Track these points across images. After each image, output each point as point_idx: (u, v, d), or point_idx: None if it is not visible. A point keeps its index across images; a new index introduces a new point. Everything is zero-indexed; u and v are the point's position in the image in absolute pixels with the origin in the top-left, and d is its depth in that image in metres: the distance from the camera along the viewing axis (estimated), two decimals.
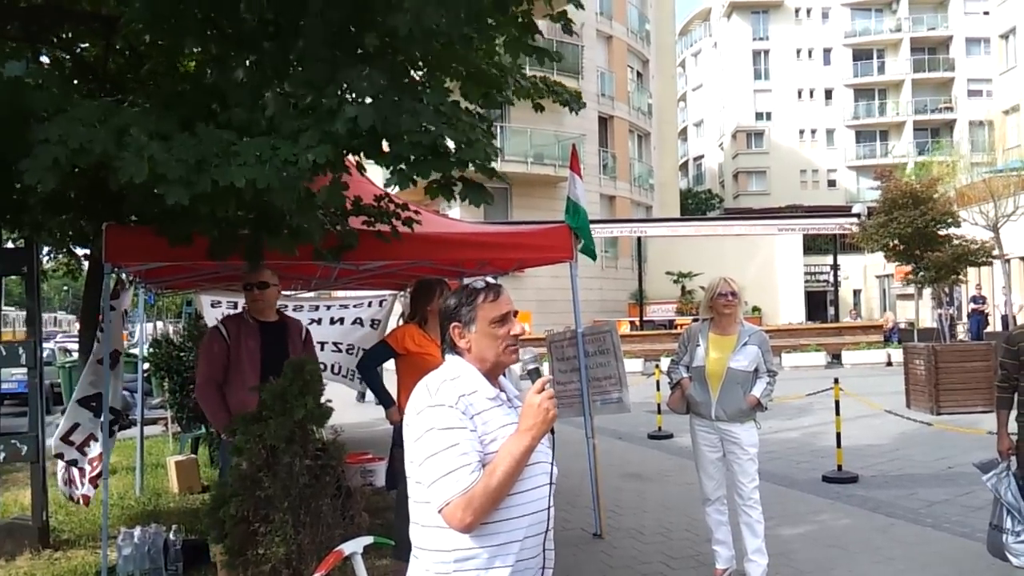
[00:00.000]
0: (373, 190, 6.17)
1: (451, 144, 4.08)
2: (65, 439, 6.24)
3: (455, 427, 2.16)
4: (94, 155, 3.39)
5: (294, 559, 3.93)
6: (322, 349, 8.70)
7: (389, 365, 5.64)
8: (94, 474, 6.22)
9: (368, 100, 3.82)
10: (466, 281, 2.39)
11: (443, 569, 2.22)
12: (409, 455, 2.26)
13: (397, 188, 4.58)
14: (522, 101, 6.06)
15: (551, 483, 2.33)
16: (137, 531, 5.88)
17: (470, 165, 4.27)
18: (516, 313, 2.43)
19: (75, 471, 6.33)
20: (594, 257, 7.12)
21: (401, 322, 6.37)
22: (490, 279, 2.45)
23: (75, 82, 5.64)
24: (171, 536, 5.95)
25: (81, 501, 6.47)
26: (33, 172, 3.38)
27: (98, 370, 6.25)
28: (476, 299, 2.35)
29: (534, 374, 2.32)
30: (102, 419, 6.06)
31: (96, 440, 6.22)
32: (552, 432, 2.30)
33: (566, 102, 5.55)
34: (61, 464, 6.48)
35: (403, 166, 4.00)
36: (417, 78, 4.65)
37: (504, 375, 2.48)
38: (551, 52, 5.02)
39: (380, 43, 3.93)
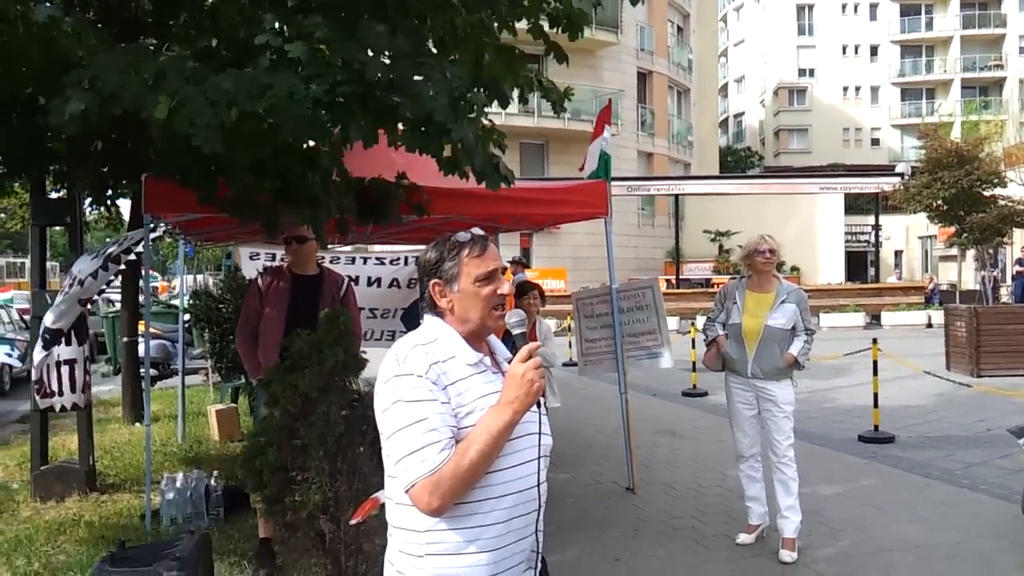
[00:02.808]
0: (402, 163, 6.08)
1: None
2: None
3: (423, 399, 1.93)
4: (126, 101, 3.39)
5: (331, 506, 4.00)
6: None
7: None
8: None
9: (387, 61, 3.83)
10: (477, 231, 2.15)
11: (414, 551, 2.01)
12: (379, 427, 2.04)
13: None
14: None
15: (541, 456, 2.06)
16: (180, 476, 6.04)
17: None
18: (504, 271, 2.18)
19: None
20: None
21: None
22: (476, 231, 2.14)
23: (103, 28, 5.64)
24: (212, 482, 6.10)
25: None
26: (58, 114, 3.40)
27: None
28: (460, 253, 2.08)
29: (520, 339, 2.06)
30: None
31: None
32: (540, 403, 2.05)
33: (553, 101, 5.46)
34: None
35: (402, 128, 4.00)
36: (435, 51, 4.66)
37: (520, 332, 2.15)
38: (548, 86, 5.10)
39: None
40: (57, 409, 6.25)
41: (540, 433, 2.07)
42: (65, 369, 6.11)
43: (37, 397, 6.21)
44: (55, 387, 6.11)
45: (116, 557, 3.18)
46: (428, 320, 2.12)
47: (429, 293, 2.11)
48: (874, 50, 60.99)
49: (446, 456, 1.89)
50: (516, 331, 2.08)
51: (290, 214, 4.71)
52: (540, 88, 5.29)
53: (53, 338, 6.01)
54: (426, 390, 1.93)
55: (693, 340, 12.62)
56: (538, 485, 2.04)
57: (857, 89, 61.49)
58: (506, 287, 2.10)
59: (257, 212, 4.79)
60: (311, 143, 4.73)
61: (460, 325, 2.08)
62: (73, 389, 6.16)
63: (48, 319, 5.98)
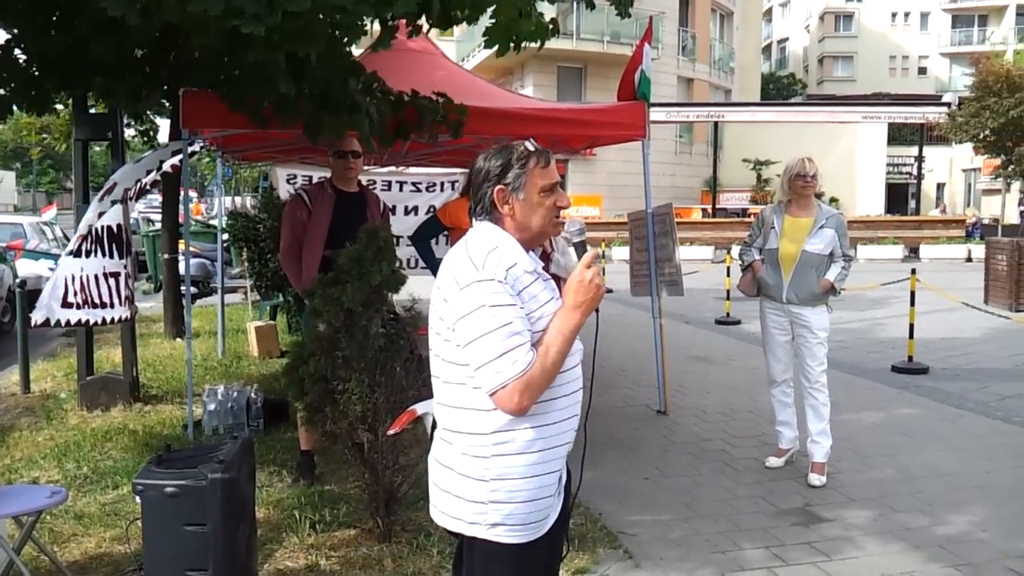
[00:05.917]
0: (440, 77, 6.02)
1: None
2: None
3: (506, 304, 1.99)
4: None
5: (370, 416, 4.10)
6: (397, 244, 8.37)
7: None
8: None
9: None
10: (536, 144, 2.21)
11: (481, 452, 2.08)
12: (443, 332, 2.11)
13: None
14: None
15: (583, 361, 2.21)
16: (221, 389, 6.20)
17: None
18: (561, 185, 2.26)
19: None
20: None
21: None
22: (534, 143, 2.21)
23: None
24: (252, 395, 6.26)
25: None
26: (116, 5, 3.40)
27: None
28: (528, 163, 2.13)
29: (580, 248, 2.16)
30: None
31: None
32: (597, 310, 2.13)
33: (616, 1, 5.28)
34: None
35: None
36: None
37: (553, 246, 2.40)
38: None
39: None
40: (109, 321, 6.22)
41: (596, 336, 2.18)
42: (112, 281, 6.13)
43: (66, 309, 5.57)
44: (106, 299, 6.13)
45: (163, 459, 3.31)
46: (485, 226, 2.16)
47: (490, 198, 2.14)
48: None
49: (532, 357, 1.99)
50: (576, 239, 2.20)
51: (331, 125, 4.72)
52: None
53: (80, 247, 5.82)
54: (507, 295, 2.01)
55: (728, 268, 12.58)
56: (580, 389, 2.18)
57: (906, 15, 59.51)
58: (564, 199, 2.18)
59: (299, 115, 4.79)
60: (353, 50, 4.72)
61: (519, 232, 2.14)
62: (121, 302, 6.19)
63: (85, 218, 5.83)
